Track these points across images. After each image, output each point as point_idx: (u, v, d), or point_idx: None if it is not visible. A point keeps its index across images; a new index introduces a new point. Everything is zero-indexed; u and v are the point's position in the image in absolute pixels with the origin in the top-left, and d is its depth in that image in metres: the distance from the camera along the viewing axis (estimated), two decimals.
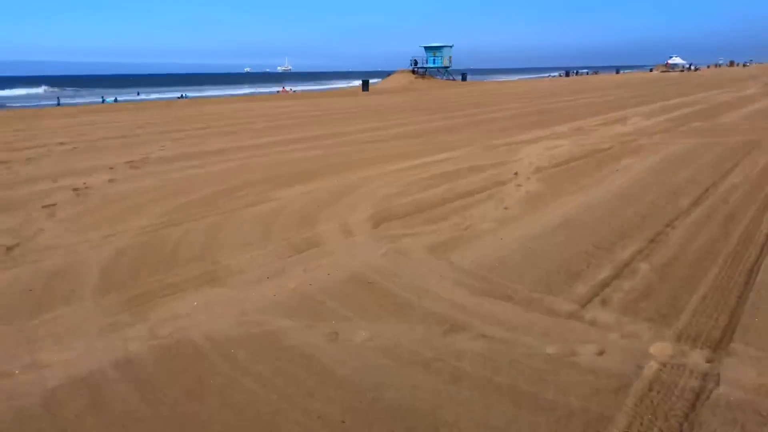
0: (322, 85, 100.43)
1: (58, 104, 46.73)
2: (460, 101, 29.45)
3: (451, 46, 65.38)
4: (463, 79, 66.57)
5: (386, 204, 7.26)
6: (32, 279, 4.84)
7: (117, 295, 4.49)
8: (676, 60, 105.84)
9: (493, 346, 3.62)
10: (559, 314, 4.06)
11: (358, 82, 59.79)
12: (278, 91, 66.17)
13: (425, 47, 64.70)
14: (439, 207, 7.07)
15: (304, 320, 4.00)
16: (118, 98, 56.96)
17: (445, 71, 65.37)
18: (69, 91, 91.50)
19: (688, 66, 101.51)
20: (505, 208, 6.95)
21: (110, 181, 9.09)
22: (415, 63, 64.10)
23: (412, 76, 61.72)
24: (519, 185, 8.22)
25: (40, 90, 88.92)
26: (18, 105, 50.31)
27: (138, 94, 74.51)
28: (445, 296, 4.38)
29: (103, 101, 50.27)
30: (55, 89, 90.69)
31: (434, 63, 64.45)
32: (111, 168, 10.23)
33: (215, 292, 4.54)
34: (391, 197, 7.62)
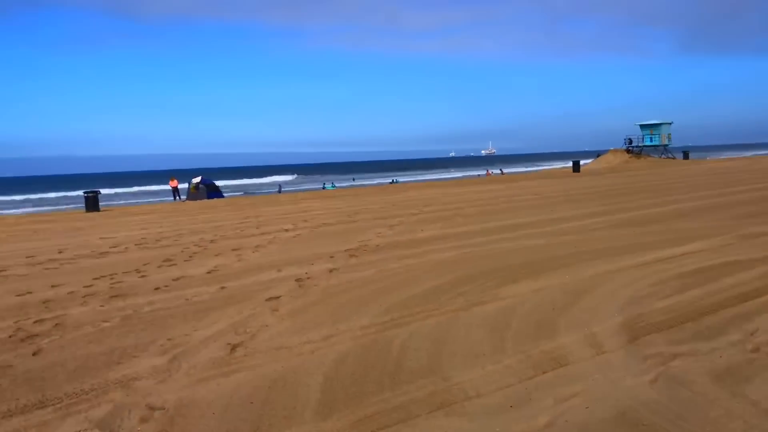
0: (527, 167, 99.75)
1: (279, 191, 51.19)
2: (688, 181, 26.66)
3: (669, 123, 60.99)
4: (685, 157, 61.44)
5: (637, 309, 6.09)
6: (253, 388, 4.50)
7: (339, 419, 3.92)
8: None
9: None
10: None
11: (564, 164, 58.06)
12: (479, 175, 66.64)
13: (641, 125, 61.09)
14: (709, 315, 5.74)
15: None
16: (336, 184, 61.47)
17: (663, 149, 60.93)
18: (294, 178, 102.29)
19: None
20: None
21: (331, 270, 9.00)
22: (630, 142, 60.66)
23: (627, 156, 58.33)
24: None
25: (292, 177, 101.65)
26: (255, 192, 56.51)
27: (353, 179, 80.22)
28: None
29: (323, 187, 54.30)
30: (304, 176, 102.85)
31: (651, 141, 60.42)
32: (331, 257, 10.25)
33: (451, 422, 3.78)
34: (641, 300, 6.42)
